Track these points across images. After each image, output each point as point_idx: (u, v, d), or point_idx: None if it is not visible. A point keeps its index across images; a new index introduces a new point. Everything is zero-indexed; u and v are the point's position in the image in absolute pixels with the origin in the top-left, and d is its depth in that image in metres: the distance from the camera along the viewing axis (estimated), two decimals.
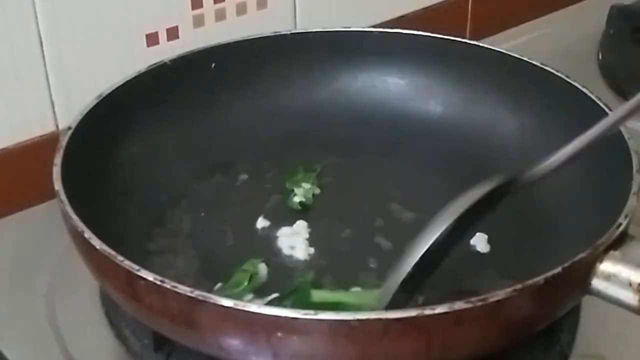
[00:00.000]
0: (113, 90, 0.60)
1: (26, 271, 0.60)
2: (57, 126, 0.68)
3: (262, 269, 0.55)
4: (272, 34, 0.68)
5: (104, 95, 0.60)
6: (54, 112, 0.68)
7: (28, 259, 0.61)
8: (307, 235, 0.59)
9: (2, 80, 0.64)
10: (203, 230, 0.59)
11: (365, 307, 0.50)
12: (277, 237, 0.59)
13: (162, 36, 0.70)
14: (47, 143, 0.67)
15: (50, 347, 0.54)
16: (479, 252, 0.57)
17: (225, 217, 0.60)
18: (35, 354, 0.54)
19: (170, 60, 0.64)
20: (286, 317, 0.43)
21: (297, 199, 0.62)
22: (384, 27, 0.72)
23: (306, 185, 0.62)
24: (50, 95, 0.67)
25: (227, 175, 0.64)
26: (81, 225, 0.48)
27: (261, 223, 0.60)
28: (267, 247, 0.58)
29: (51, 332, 0.55)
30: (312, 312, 0.43)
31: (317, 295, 0.52)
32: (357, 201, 0.62)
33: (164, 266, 0.55)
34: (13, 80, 0.64)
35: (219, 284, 0.54)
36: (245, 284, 0.53)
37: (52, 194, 0.54)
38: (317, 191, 0.63)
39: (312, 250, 0.58)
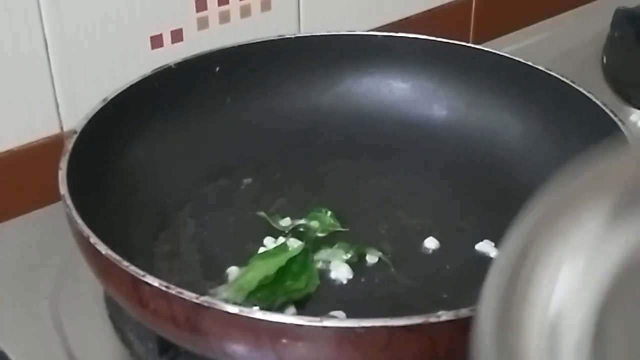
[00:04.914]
0: (118, 94, 0.60)
1: (30, 274, 0.60)
2: (61, 128, 0.68)
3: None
4: (277, 38, 0.68)
5: (109, 99, 0.60)
6: (59, 114, 0.68)
7: (32, 262, 0.61)
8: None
9: (7, 82, 0.64)
10: (207, 234, 0.59)
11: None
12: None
13: (167, 38, 0.70)
14: (52, 145, 0.67)
15: (55, 351, 0.54)
16: (490, 257, 0.57)
17: (229, 221, 0.60)
18: (41, 358, 0.54)
19: (175, 64, 0.64)
20: (291, 324, 0.43)
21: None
22: (387, 30, 0.71)
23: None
24: (55, 97, 0.67)
25: (232, 179, 0.64)
26: (87, 231, 0.48)
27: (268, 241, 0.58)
28: None
29: (56, 336, 0.55)
30: (317, 319, 0.43)
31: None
32: (361, 206, 0.62)
33: (168, 270, 0.55)
34: (18, 82, 0.64)
35: (222, 286, 0.54)
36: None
37: (57, 197, 0.54)
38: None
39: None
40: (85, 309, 0.57)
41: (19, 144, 0.67)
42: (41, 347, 0.55)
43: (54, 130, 0.68)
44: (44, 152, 0.67)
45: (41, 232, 0.64)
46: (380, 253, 0.57)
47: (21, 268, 0.61)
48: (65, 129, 0.68)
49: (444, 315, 0.42)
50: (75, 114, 0.67)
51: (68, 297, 0.58)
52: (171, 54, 0.69)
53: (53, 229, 0.62)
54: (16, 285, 0.59)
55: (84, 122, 0.57)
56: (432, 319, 0.42)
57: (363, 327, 0.42)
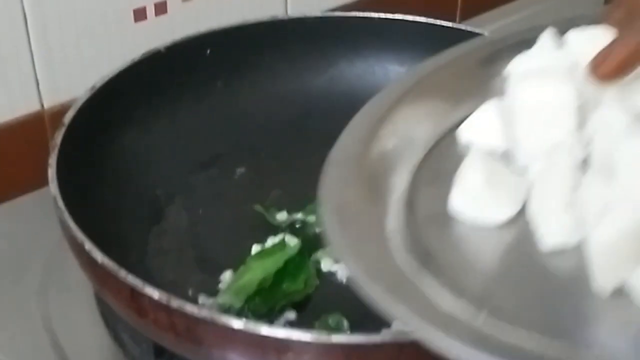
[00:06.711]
0: (107, 82, 0.58)
1: (17, 266, 0.58)
2: (42, 105, 0.66)
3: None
4: (269, 19, 0.66)
5: (97, 86, 0.57)
6: (39, 91, 0.65)
7: (18, 253, 0.59)
8: None
9: None
10: (202, 229, 0.58)
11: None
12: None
13: (150, 11, 0.68)
14: (32, 122, 0.65)
15: (45, 348, 0.53)
16: None
17: (223, 213, 0.59)
18: (31, 356, 0.53)
19: (164, 48, 0.62)
20: (299, 341, 0.42)
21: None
22: (371, 6, 0.69)
23: None
24: (35, 73, 0.65)
25: (224, 168, 0.62)
26: (81, 236, 0.46)
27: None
28: None
29: (45, 334, 0.54)
30: (325, 335, 0.42)
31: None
32: None
33: (162, 267, 0.54)
34: None
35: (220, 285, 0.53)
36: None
37: (41, 182, 0.52)
38: None
39: None
40: (76, 305, 0.56)
41: None
42: (30, 345, 0.53)
43: (35, 107, 0.66)
44: (24, 130, 0.65)
45: (25, 221, 0.62)
46: None
47: (6, 260, 0.59)
48: (45, 106, 0.66)
49: None
50: (55, 90, 0.65)
51: (57, 292, 0.56)
52: (155, 27, 0.67)
53: (38, 217, 0.60)
54: (1, 280, 0.57)
55: (72, 112, 0.55)
56: None
57: (373, 344, 0.41)
